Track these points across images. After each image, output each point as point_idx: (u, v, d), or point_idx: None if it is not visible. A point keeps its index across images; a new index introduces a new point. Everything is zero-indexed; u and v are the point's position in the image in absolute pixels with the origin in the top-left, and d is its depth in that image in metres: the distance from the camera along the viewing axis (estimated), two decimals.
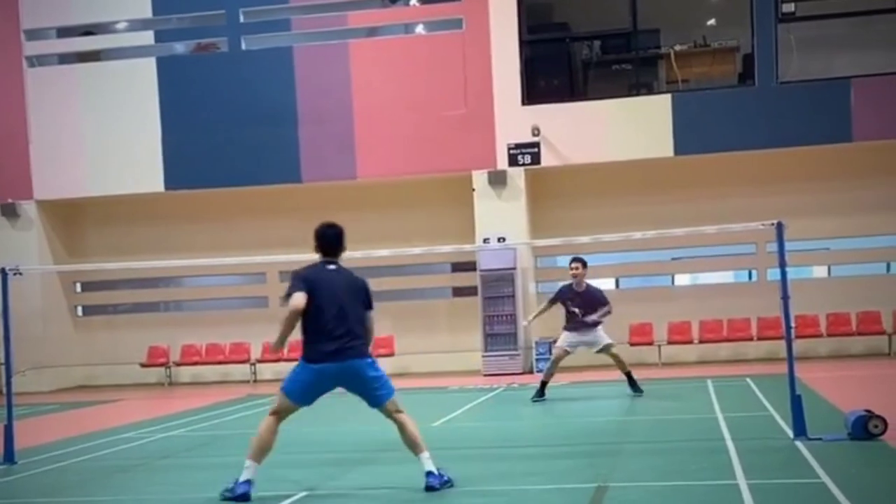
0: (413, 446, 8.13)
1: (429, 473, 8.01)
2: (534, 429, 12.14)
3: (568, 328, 14.76)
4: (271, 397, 18.58)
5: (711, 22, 22.51)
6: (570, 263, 14.80)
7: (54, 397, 20.92)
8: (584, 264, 14.76)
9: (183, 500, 8.35)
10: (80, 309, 24.76)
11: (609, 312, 14.69)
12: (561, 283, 15.32)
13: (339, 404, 16.74)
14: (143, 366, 23.00)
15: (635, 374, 15.02)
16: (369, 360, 8.10)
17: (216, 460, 10.78)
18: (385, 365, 23.58)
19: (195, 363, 23.21)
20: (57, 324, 23.46)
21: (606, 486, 7.84)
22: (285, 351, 8.40)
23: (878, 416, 9.47)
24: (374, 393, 8.13)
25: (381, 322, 22.23)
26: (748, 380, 16.21)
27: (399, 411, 8.17)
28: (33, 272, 20.62)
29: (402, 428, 8.14)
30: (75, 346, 23.87)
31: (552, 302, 14.95)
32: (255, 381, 22.55)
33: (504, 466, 9.18)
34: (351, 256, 15.83)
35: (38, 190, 22.79)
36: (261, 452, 8.14)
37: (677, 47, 21.46)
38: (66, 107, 22.61)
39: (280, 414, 8.25)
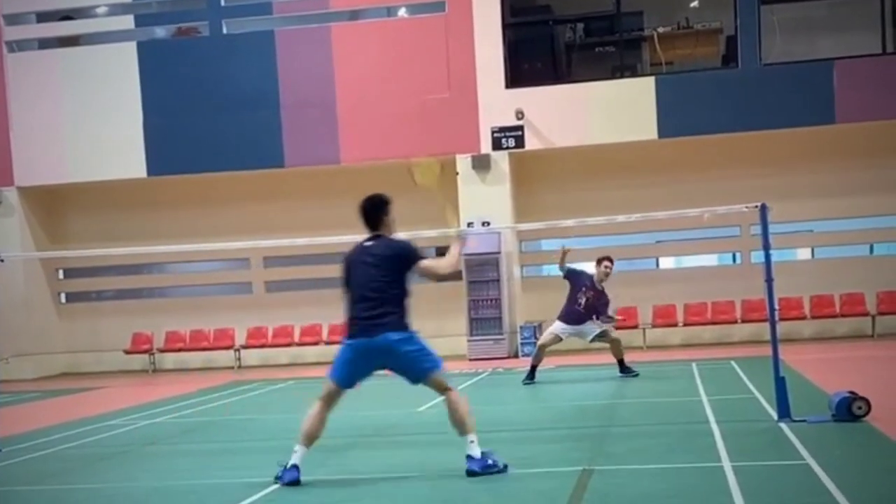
0: (455, 428, 7.97)
1: (468, 457, 7.89)
2: (519, 413, 12.15)
3: (562, 318, 14.83)
4: (256, 383, 18.66)
5: (694, 4, 22.51)
6: (603, 262, 14.90)
7: (37, 385, 20.83)
8: (612, 262, 15.01)
9: (167, 486, 8.31)
10: (62, 296, 24.64)
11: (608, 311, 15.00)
12: (580, 267, 15.27)
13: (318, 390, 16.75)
14: (126, 352, 22.93)
15: (633, 357, 15.05)
16: (403, 334, 7.87)
17: (200, 447, 10.75)
18: None
19: (179, 350, 23.15)
20: (40, 311, 23.34)
21: (592, 470, 7.84)
22: None
23: (862, 398, 9.50)
24: (411, 368, 7.98)
25: None
26: (733, 362, 16.27)
27: (447, 389, 7.99)
28: (15, 259, 20.50)
29: (447, 407, 7.99)
30: (58, 334, 23.78)
31: (572, 273, 14.88)
32: (239, 367, 22.50)
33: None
34: (333, 241, 15.85)
35: (20, 176, 22.64)
36: (307, 437, 8.05)
37: (660, 29, 21.44)
38: (47, 92, 22.46)
39: (325, 399, 8.14)
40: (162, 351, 23.18)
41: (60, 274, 24.56)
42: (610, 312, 14.94)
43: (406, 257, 8.05)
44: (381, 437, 10.72)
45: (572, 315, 14.80)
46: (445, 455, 8.64)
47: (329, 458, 9.37)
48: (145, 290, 25.24)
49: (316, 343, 22.58)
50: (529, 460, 8.51)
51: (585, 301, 14.69)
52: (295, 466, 7.93)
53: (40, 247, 23.04)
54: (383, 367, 8.06)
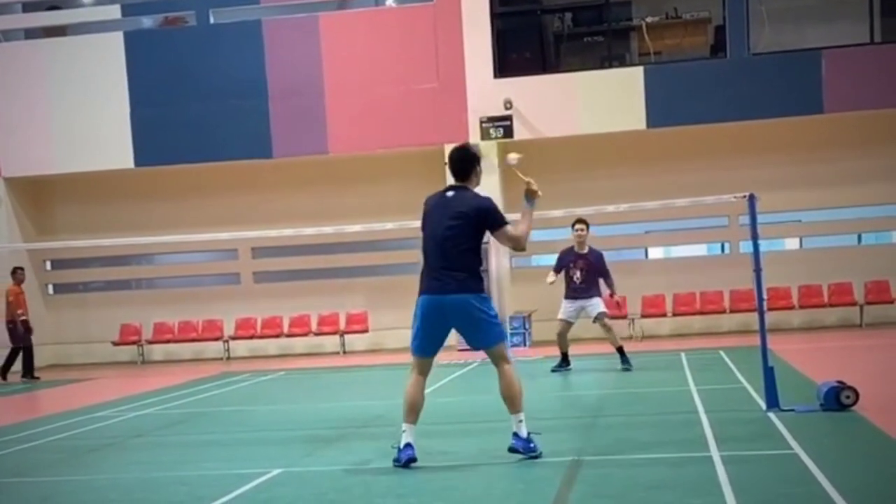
0: (507, 403, 8.00)
1: (514, 435, 7.96)
2: None
3: (567, 296, 14.73)
4: (245, 374, 18.60)
5: None
6: (574, 225, 14.75)
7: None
8: (588, 225, 14.77)
9: (156, 478, 8.29)
10: (50, 287, 24.57)
11: (613, 282, 14.82)
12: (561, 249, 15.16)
13: (312, 380, 16.75)
14: (115, 344, 22.88)
15: (613, 349, 14.93)
16: (475, 295, 7.84)
17: (190, 438, 10.74)
18: (359, 341, 23.67)
19: (168, 341, 23.11)
20: (27, 302, 23.21)
21: (581, 460, 7.85)
22: None
23: (850, 387, 9.53)
24: (477, 334, 7.98)
25: (355, 298, 22.57)
26: (721, 352, 16.31)
27: (505, 362, 8.00)
28: (2, 250, 20.45)
29: (500, 380, 7.99)
30: (46, 325, 23.67)
31: (556, 270, 14.80)
32: (228, 358, 22.48)
33: (479, 441, 9.18)
34: (323, 232, 15.88)
35: (6, 167, 22.54)
36: (412, 412, 7.98)
37: (649, 19, 21.40)
38: (33, 82, 22.33)
39: (419, 371, 8.08)
40: (150, 342, 23.14)
41: (48, 265, 24.49)
42: (610, 283, 14.74)
43: (491, 220, 7.94)
44: (371, 427, 10.72)
45: (573, 292, 14.71)
46: (434, 445, 8.64)
47: (317, 449, 9.38)
48: (133, 281, 25.18)
49: (305, 334, 22.60)
50: None
51: (580, 273, 14.56)
52: (409, 445, 7.92)
53: (28, 238, 22.95)
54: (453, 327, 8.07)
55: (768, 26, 20.59)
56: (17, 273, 20.17)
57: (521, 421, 7.95)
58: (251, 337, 22.80)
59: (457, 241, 7.84)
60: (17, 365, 20.28)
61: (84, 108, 22.03)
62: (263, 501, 7.16)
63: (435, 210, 8.03)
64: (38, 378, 19.83)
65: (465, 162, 8.11)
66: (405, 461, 7.86)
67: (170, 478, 8.28)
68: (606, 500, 6.57)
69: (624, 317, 20.90)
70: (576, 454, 8.08)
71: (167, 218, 22.69)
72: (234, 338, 22.69)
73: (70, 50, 22.54)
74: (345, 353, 22.12)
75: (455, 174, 8.16)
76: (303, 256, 22.99)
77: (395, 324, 22.27)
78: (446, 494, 7.09)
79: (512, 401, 7.96)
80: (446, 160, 8.17)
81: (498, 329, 8.05)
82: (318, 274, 23.25)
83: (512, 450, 7.94)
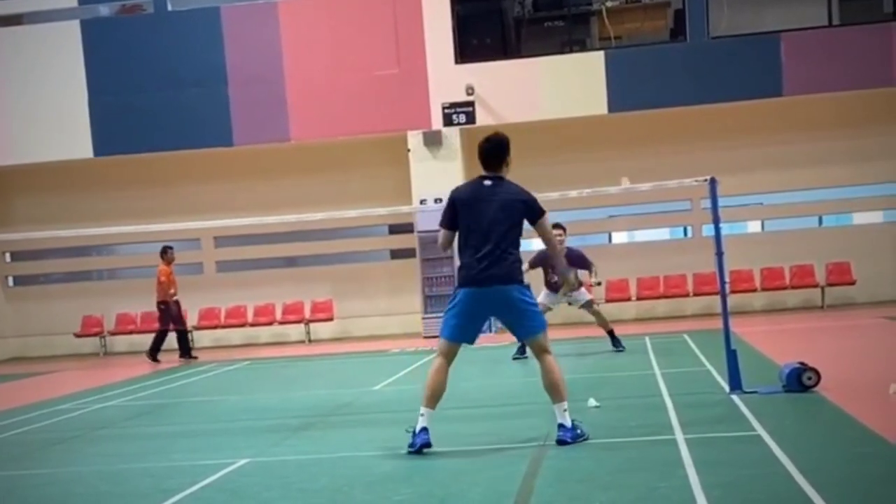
0: (550, 393, 7.96)
1: (559, 426, 7.89)
2: (475, 390, 12.17)
3: (549, 287, 14.67)
4: (209, 365, 18.49)
5: None
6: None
7: None
8: (565, 230, 14.56)
9: (120, 470, 8.24)
10: (10, 279, 24.32)
11: (596, 271, 14.73)
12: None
13: (278, 370, 16.69)
14: (77, 336, 22.68)
15: (588, 332, 14.95)
16: (517, 287, 7.81)
17: (155, 430, 10.67)
18: (324, 329, 23.61)
19: (131, 332, 22.92)
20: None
21: (547, 445, 7.87)
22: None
23: (812, 369, 9.62)
24: (520, 323, 7.95)
25: (320, 286, 22.54)
26: (685, 336, 16.42)
27: (546, 352, 7.95)
28: None
29: (541, 370, 7.95)
30: (7, 318, 23.49)
31: (532, 266, 14.30)
32: (192, 348, 22.30)
33: (445, 427, 9.16)
34: (286, 220, 15.79)
35: None
36: (433, 398, 7.92)
37: (609, 3, 21.45)
38: None
39: (445, 356, 8.05)
40: (113, 333, 22.95)
41: (7, 257, 24.23)
42: (592, 279, 14.64)
43: (531, 212, 7.94)
44: (337, 416, 10.71)
45: (554, 286, 14.64)
46: (402, 433, 8.63)
47: (286, 438, 9.36)
48: (95, 272, 24.96)
49: (269, 323, 22.52)
50: (484, 437, 8.54)
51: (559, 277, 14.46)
52: (424, 429, 7.87)
53: None
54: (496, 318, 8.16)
55: (727, 10, 20.69)
56: (167, 253, 19.71)
57: (565, 410, 7.91)
58: (215, 327, 22.68)
59: (504, 231, 7.81)
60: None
61: (42, 97, 21.77)
62: (230, 492, 7.13)
63: (474, 201, 7.91)
64: (195, 358, 19.54)
65: (498, 150, 8.06)
66: (420, 446, 7.82)
67: (135, 469, 8.23)
68: (572, 485, 6.60)
69: None
70: (542, 440, 8.10)
71: (128, 208, 22.48)
72: (197, 328, 22.54)
73: (26, 39, 22.21)
74: (310, 341, 22.06)
75: (487, 163, 8.07)
76: (266, 245, 22.89)
77: (361, 311, 22.28)
78: (414, 481, 7.09)
79: (557, 391, 7.91)
80: (479, 149, 8.08)
81: (540, 318, 8.02)
82: (281, 262, 23.17)
83: (560, 442, 7.83)
